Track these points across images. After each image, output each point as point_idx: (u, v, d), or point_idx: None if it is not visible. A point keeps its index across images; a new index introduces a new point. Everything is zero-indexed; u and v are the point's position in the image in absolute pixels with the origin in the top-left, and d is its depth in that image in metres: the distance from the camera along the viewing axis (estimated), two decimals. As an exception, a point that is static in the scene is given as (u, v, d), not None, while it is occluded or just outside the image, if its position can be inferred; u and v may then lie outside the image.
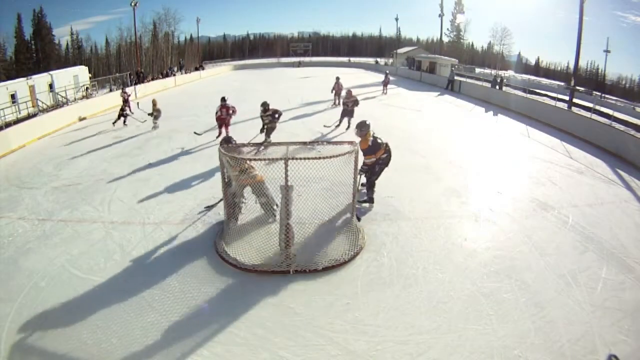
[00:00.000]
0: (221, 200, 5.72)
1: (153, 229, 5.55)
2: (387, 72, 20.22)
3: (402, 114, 14.10)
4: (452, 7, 41.14)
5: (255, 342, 3.51)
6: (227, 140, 5.72)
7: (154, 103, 11.91)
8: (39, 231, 5.59)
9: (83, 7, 37.81)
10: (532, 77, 33.65)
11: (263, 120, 9.05)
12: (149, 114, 11.96)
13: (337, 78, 15.33)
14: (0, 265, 4.73)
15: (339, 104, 14.51)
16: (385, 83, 19.36)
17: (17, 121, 12.83)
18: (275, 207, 5.26)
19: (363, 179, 6.19)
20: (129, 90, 15.68)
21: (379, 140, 5.95)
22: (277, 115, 8.93)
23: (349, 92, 11.40)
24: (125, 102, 14.24)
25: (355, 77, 27.03)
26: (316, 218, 5.20)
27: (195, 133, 10.54)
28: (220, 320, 3.75)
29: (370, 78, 26.36)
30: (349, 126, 10.92)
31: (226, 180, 5.10)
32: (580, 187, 7.26)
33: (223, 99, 9.86)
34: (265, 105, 8.94)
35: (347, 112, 11.11)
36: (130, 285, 4.28)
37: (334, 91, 15.19)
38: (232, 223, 5.27)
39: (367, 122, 5.89)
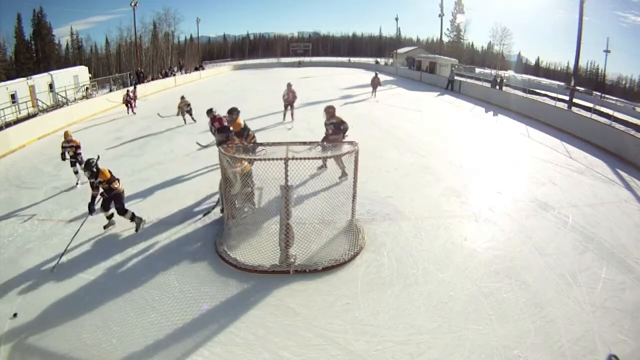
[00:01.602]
0: (215, 206, 5.89)
1: (153, 229, 5.55)
2: (377, 72, 19.08)
3: (402, 114, 14.09)
4: (452, 7, 40.99)
5: (255, 342, 3.51)
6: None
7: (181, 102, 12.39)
8: (39, 231, 5.59)
9: (83, 7, 37.74)
10: (532, 77, 33.60)
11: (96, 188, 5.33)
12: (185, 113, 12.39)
13: (289, 85, 12.02)
14: (0, 265, 4.73)
15: (292, 117, 12.02)
16: (374, 84, 17.33)
17: (17, 121, 12.85)
18: (253, 199, 5.60)
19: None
20: (131, 90, 15.10)
21: (247, 126, 6.84)
22: (97, 181, 5.23)
23: (329, 109, 6.96)
24: (128, 103, 14.26)
25: (356, 77, 27.05)
26: (316, 218, 5.21)
27: (197, 144, 9.50)
28: (220, 320, 3.75)
29: (370, 78, 26.26)
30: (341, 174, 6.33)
31: (227, 179, 5.11)
32: (580, 187, 7.26)
33: (210, 111, 8.13)
34: (90, 168, 5.14)
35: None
36: (130, 285, 4.28)
37: (285, 97, 11.96)
38: (232, 223, 5.27)
39: (237, 108, 6.74)
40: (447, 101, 17.28)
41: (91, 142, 10.56)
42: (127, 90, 14.94)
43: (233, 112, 6.73)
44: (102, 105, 15.64)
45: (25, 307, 3.94)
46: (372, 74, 19.14)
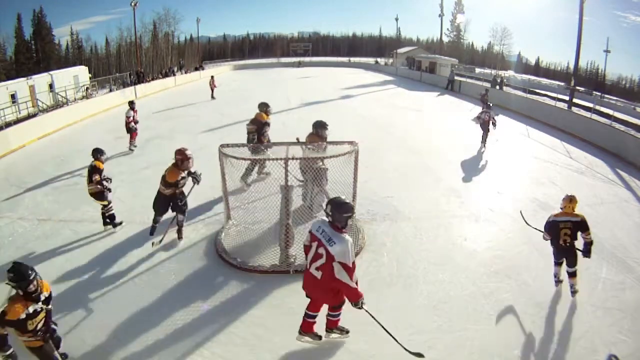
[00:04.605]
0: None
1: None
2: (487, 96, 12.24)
3: (402, 114, 14.09)
4: (452, 7, 41.05)
5: (255, 342, 3.50)
6: None
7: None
8: (39, 231, 5.58)
9: (83, 7, 37.66)
10: (532, 77, 33.60)
11: None
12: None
13: (487, 103, 8.99)
14: (0, 266, 4.73)
15: (484, 145, 8.96)
16: (484, 101, 10.99)
17: (17, 121, 12.83)
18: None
19: None
20: (130, 113, 9.43)
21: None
22: None
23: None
24: (131, 131, 9.47)
25: (356, 77, 27.08)
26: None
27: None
28: (220, 320, 3.75)
29: (370, 78, 26.42)
30: None
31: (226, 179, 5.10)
32: (580, 187, 7.25)
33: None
34: None
35: None
36: (130, 285, 4.29)
37: (484, 119, 8.95)
38: (231, 223, 5.27)
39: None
40: (447, 101, 17.28)
41: (91, 142, 10.55)
42: (131, 105, 9.60)
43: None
44: (103, 105, 15.49)
45: (25, 307, 3.93)
46: (375, 73, 18.37)
